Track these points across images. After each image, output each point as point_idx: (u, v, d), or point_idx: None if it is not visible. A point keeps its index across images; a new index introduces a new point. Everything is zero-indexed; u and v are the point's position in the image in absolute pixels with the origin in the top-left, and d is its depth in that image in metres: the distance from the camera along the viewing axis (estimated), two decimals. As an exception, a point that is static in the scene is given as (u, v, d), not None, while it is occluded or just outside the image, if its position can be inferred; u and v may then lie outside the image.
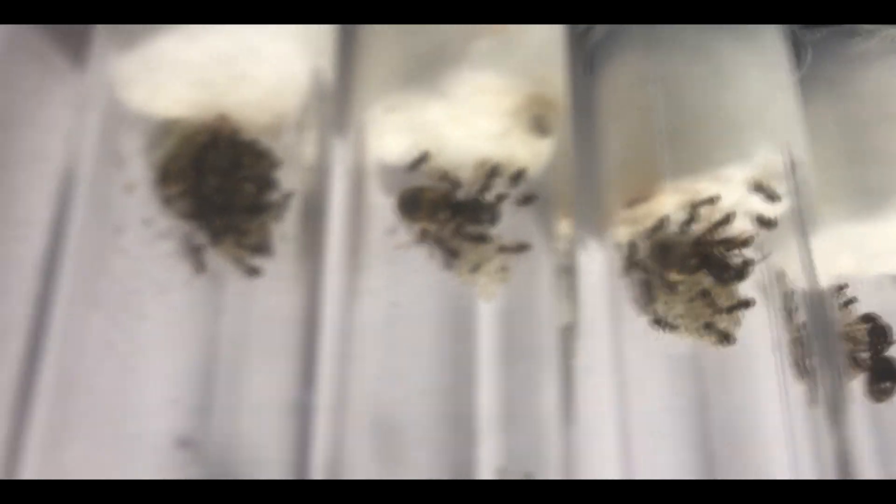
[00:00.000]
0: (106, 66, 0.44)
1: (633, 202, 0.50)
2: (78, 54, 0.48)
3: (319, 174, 0.46)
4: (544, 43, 0.48)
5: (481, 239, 0.47)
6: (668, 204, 0.49)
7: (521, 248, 0.47)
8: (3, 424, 0.41)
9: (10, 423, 0.40)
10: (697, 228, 0.48)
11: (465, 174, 0.47)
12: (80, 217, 0.42)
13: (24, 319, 0.42)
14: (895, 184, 0.51)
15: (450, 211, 0.46)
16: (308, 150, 0.46)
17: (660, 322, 0.49)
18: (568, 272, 0.47)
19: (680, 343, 0.49)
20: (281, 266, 0.43)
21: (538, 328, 0.46)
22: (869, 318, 0.53)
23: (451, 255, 0.46)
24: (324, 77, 0.46)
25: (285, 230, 0.44)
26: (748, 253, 0.47)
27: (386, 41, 0.47)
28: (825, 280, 0.49)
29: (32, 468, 0.38)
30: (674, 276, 0.48)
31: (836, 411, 0.46)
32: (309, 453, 0.41)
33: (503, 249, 0.47)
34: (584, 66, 0.58)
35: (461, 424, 0.44)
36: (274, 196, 0.44)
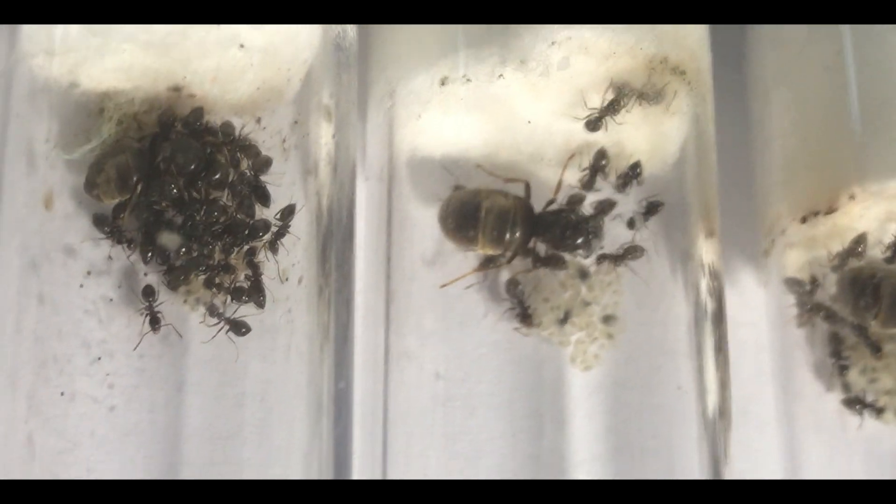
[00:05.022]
0: (17, 32, 0.38)
1: (810, 214, 0.43)
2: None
3: (337, 176, 0.39)
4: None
5: (574, 272, 0.39)
6: (867, 217, 0.42)
7: (636, 283, 0.39)
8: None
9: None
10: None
11: (550, 172, 0.40)
12: None
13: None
14: None
15: (524, 227, 0.39)
16: (316, 138, 0.39)
17: (857, 402, 0.42)
18: (713, 322, 0.41)
19: (891, 436, 0.42)
20: (281, 318, 0.37)
21: (664, 414, 0.39)
22: None
23: (525, 298, 0.39)
24: (344, 31, 0.41)
25: (288, 262, 0.37)
26: None
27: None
28: None
29: None
30: (879, 329, 0.41)
31: None
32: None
33: (608, 288, 0.39)
34: None
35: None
36: (265, 211, 0.37)
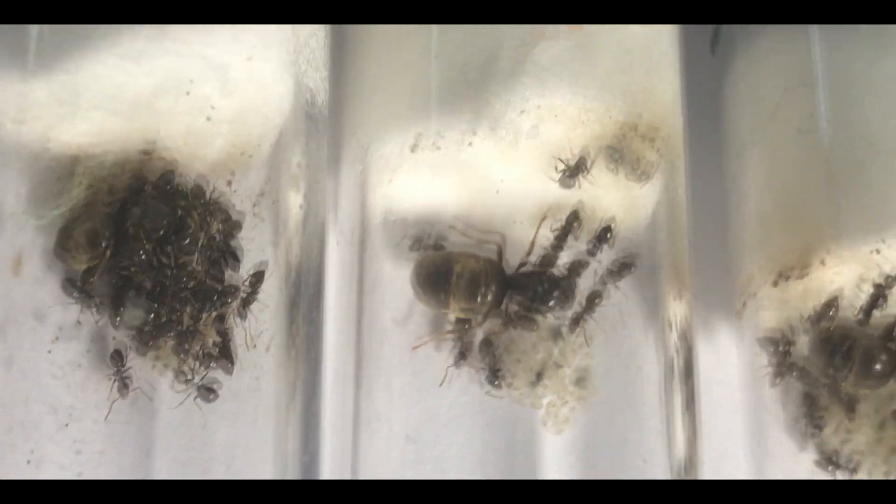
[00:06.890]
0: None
1: (783, 275, 0.43)
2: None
3: (306, 240, 0.40)
4: (645, 44, 0.43)
5: (546, 334, 0.39)
6: (840, 278, 0.42)
7: (607, 345, 0.40)
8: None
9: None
10: (888, 315, 0.42)
11: (522, 232, 0.40)
12: None
13: None
14: None
15: (496, 290, 0.39)
16: (285, 203, 0.39)
17: (831, 462, 0.42)
18: (682, 380, 0.41)
19: (864, 497, 0.43)
20: (248, 384, 0.37)
21: (633, 475, 0.39)
22: None
23: (497, 360, 0.39)
24: (314, 98, 0.41)
25: (256, 328, 0.38)
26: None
27: (404, 47, 0.42)
28: None
29: None
30: (852, 388, 0.41)
31: None
32: None
33: (580, 350, 0.40)
34: (711, 45, 0.52)
35: None
36: (234, 275, 0.38)
